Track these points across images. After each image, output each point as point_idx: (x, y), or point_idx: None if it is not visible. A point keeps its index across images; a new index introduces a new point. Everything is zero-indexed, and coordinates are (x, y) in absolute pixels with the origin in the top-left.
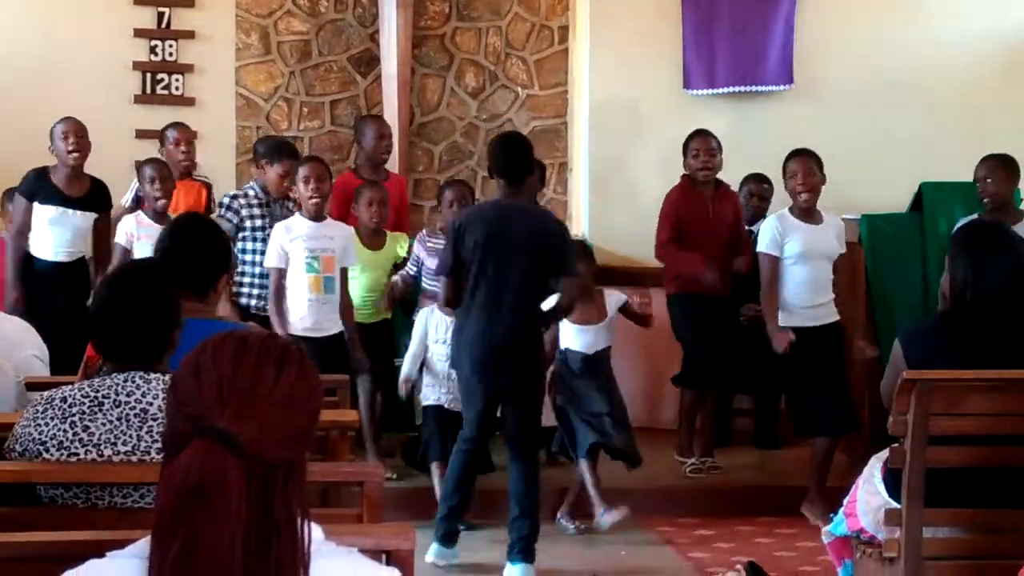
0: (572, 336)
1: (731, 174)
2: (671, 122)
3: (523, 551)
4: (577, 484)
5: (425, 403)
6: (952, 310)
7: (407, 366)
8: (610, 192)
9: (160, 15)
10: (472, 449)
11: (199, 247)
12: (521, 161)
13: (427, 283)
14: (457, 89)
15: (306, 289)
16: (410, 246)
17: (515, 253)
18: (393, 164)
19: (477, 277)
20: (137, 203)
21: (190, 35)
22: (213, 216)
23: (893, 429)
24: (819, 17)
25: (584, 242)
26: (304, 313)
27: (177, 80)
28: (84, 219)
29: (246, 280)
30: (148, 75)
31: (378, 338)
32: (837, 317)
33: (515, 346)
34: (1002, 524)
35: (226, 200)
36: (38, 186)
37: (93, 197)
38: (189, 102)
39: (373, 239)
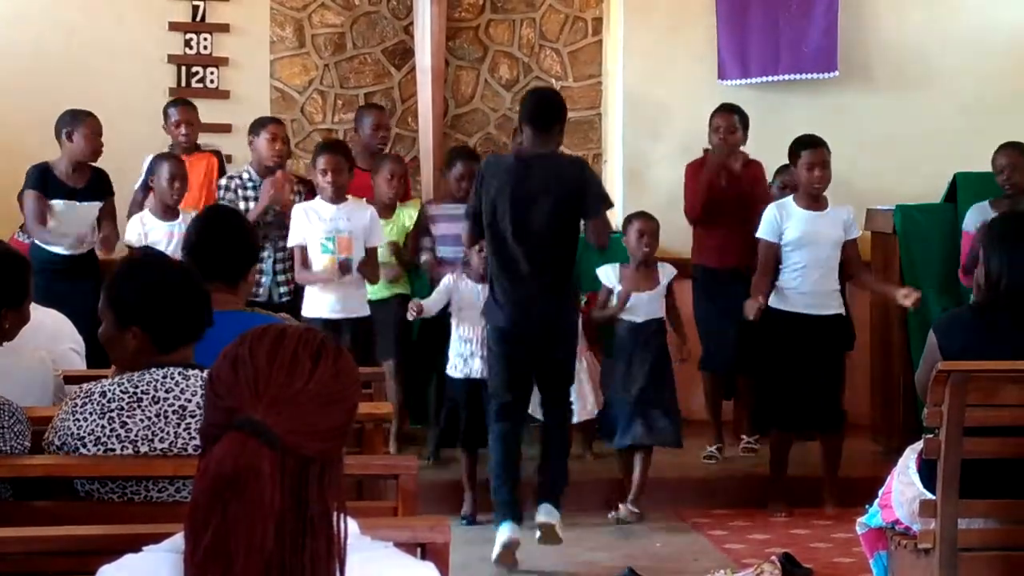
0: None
1: (765, 165)
2: (706, 113)
3: (552, 492)
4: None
5: (452, 375)
6: (986, 301)
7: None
8: (644, 183)
9: (195, 8)
10: (506, 432)
11: (229, 238)
12: (548, 109)
13: (444, 252)
14: (491, 81)
15: (324, 271)
16: (419, 216)
17: (535, 203)
18: (427, 156)
19: (499, 231)
20: (146, 190)
21: (225, 28)
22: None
23: (928, 420)
24: (859, 6)
25: (617, 233)
26: (324, 296)
27: (212, 73)
28: (91, 209)
29: None
30: (183, 68)
31: (390, 314)
32: (839, 310)
33: (550, 300)
34: None
35: (223, 181)
36: (44, 181)
37: (96, 186)
38: (224, 95)
39: (383, 211)
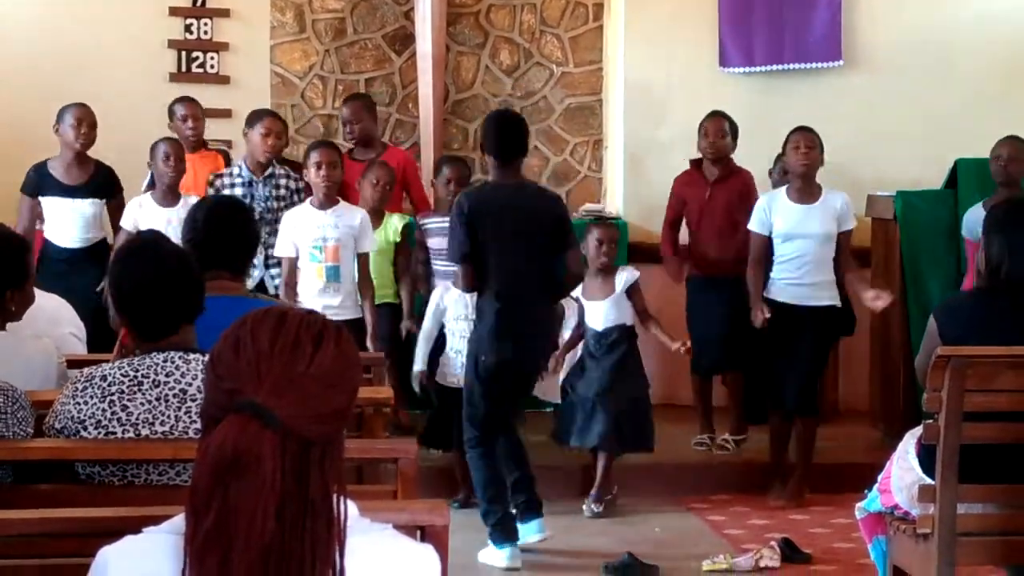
0: (586, 313)
1: (765, 152)
2: (706, 100)
3: (536, 505)
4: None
5: (443, 383)
6: (987, 287)
7: (419, 355)
8: (645, 170)
9: None
10: (485, 451)
11: (234, 228)
12: (514, 140)
13: (437, 264)
14: (492, 67)
15: (312, 277)
16: (404, 227)
17: (523, 235)
18: (427, 142)
19: (494, 261)
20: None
21: (225, 13)
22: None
23: (927, 405)
24: None
25: (617, 219)
26: (312, 302)
27: (212, 58)
28: (90, 206)
29: None
30: (183, 53)
31: (383, 321)
32: (833, 302)
33: (542, 327)
34: None
35: (211, 177)
36: (39, 181)
37: (97, 183)
38: (224, 80)
39: (371, 218)
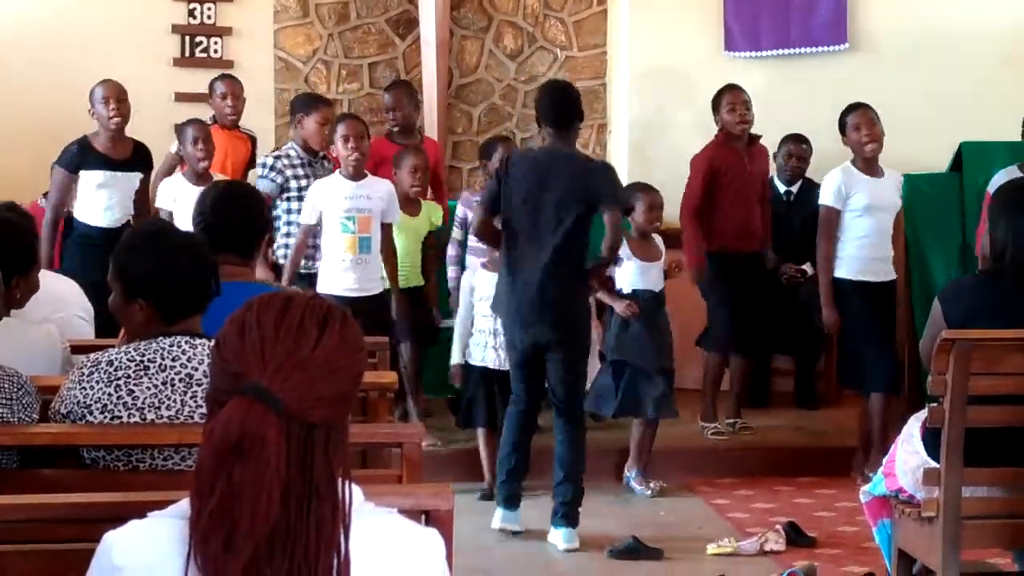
0: (639, 275)
1: (770, 136)
2: (711, 84)
3: (566, 516)
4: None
5: (471, 363)
6: (992, 270)
7: (456, 348)
8: (649, 154)
9: None
10: (523, 410)
11: (242, 211)
12: (568, 107)
13: (473, 241)
14: (496, 51)
15: (342, 250)
16: (444, 215)
17: (554, 200)
18: (431, 126)
19: (515, 223)
20: (179, 157)
21: None
22: (255, 171)
23: (932, 388)
24: None
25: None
26: (342, 274)
27: (216, 43)
28: (131, 180)
29: (291, 241)
30: (187, 38)
31: (412, 304)
32: (895, 276)
33: (553, 297)
34: None
35: (269, 160)
36: (83, 156)
37: (137, 158)
38: (228, 65)
39: (409, 206)
